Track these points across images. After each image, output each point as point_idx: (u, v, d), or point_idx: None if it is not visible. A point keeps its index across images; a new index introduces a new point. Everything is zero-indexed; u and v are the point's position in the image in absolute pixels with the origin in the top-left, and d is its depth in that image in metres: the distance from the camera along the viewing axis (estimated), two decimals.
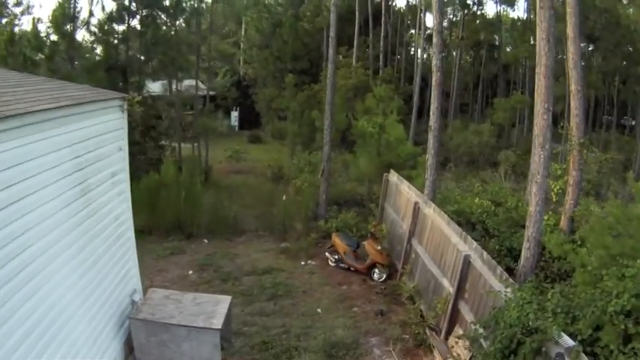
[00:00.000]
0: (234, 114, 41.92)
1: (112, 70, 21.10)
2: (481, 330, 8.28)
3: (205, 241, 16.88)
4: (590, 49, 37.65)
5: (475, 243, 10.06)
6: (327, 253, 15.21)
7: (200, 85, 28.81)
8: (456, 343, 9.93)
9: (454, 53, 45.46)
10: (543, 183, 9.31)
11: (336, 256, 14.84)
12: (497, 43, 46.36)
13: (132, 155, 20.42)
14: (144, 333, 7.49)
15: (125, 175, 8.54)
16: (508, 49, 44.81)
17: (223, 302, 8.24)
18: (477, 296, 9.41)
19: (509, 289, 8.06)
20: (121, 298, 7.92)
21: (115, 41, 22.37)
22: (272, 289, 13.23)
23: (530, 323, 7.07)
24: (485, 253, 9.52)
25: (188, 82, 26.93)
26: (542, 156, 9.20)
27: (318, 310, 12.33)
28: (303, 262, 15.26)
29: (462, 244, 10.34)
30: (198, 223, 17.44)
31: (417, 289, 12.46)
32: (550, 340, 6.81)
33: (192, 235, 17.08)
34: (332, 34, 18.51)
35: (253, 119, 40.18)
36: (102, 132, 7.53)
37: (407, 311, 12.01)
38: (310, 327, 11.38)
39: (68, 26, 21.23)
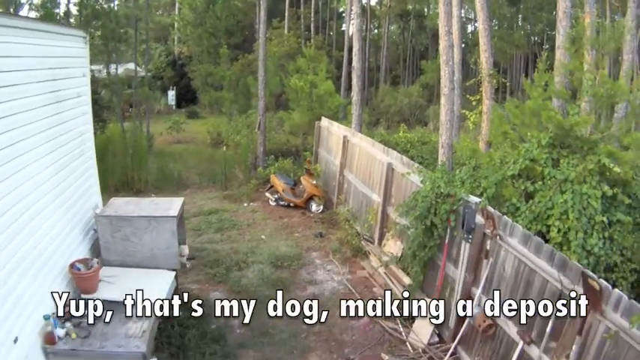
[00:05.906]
0: (171, 93, 42.08)
1: None
2: (404, 212, 9.48)
3: (153, 195, 17.53)
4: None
5: (396, 152, 11.38)
6: (267, 194, 16.34)
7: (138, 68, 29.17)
8: (387, 241, 11.22)
9: (383, 26, 47.02)
10: (450, 94, 10.68)
11: (276, 195, 15.98)
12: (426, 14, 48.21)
13: None
14: (109, 229, 8.39)
15: (88, 99, 9.33)
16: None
17: (177, 202, 9.32)
18: (401, 197, 10.64)
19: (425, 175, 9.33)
20: (84, 210, 8.74)
21: (57, 17, 22.71)
22: (218, 224, 14.33)
23: (442, 190, 8.36)
24: (404, 157, 10.86)
25: (127, 66, 27.37)
26: (446, 71, 10.60)
27: (262, 236, 13.47)
28: (245, 204, 16.34)
29: (385, 157, 11.64)
30: (145, 180, 18.30)
31: (352, 212, 13.71)
32: (460, 202, 8.12)
33: (141, 191, 17.81)
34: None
35: (190, 97, 40.67)
36: (69, 55, 8.44)
37: (344, 231, 13.22)
38: (256, 247, 12.54)
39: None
